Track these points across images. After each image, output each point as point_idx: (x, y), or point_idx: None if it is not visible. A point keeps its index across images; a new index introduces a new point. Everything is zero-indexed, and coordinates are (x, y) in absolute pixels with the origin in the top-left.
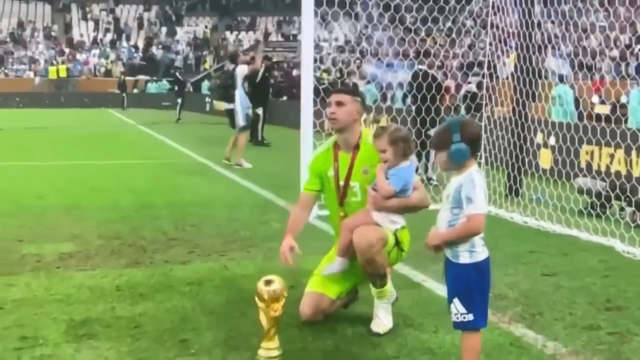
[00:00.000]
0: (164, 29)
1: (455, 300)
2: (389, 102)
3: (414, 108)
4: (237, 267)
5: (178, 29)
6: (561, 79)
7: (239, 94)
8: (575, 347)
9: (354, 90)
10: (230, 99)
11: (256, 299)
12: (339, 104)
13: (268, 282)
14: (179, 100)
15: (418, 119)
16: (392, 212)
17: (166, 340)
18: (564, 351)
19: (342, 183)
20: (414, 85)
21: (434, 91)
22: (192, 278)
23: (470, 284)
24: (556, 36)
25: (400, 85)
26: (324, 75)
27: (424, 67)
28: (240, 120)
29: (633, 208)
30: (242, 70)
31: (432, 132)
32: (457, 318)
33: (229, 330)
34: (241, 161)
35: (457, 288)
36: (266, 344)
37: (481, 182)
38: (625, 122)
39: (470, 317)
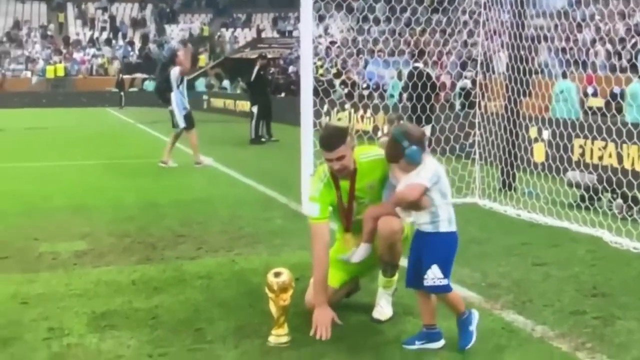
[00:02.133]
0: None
1: (434, 267)
2: (385, 100)
3: (409, 105)
4: (244, 262)
5: (173, 26)
6: (564, 75)
7: (175, 96)
8: (562, 330)
9: (341, 134)
10: (167, 101)
11: (266, 289)
12: (341, 158)
13: (277, 274)
14: None
15: (413, 117)
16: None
17: (182, 330)
18: (551, 334)
19: (346, 206)
20: (410, 84)
21: (428, 89)
22: (202, 272)
23: (450, 249)
24: (549, 31)
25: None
26: (321, 71)
27: (419, 66)
28: (180, 122)
29: (621, 200)
30: (174, 72)
31: (427, 129)
32: (434, 282)
33: (240, 320)
34: (200, 159)
35: (437, 255)
36: (276, 331)
37: (432, 166)
38: (619, 114)
39: (445, 282)
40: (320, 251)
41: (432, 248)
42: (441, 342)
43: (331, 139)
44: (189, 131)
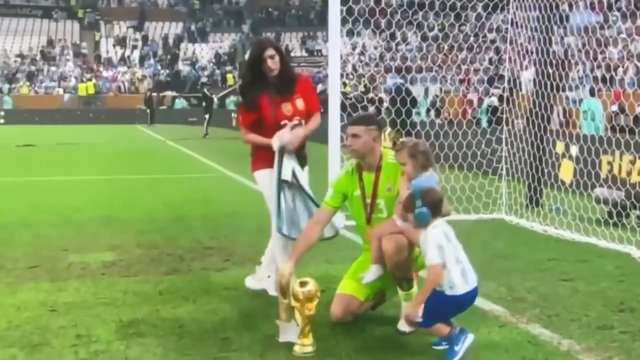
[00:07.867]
0: (189, 46)
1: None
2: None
3: (388, 121)
4: None
5: (203, 45)
6: (592, 93)
7: None
8: (589, 345)
9: (368, 120)
10: None
11: (292, 299)
12: (354, 136)
13: (303, 284)
14: (207, 116)
15: (403, 132)
16: None
17: (208, 338)
18: (577, 348)
19: (368, 201)
20: (389, 100)
21: (408, 105)
22: (229, 283)
23: (443, 306)
24: (579, 50)
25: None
26: (349, 89)
27: (399, 82)
28: None
29: None
30: None
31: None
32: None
33: (266, 330)
34: None
35: (428, 300)
36: (301, 340)
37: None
38: None
39: (420, 320)
40: (310, 229)
41: (429, 297)
42: (471, 337)
43: (358, 117)
44: None
